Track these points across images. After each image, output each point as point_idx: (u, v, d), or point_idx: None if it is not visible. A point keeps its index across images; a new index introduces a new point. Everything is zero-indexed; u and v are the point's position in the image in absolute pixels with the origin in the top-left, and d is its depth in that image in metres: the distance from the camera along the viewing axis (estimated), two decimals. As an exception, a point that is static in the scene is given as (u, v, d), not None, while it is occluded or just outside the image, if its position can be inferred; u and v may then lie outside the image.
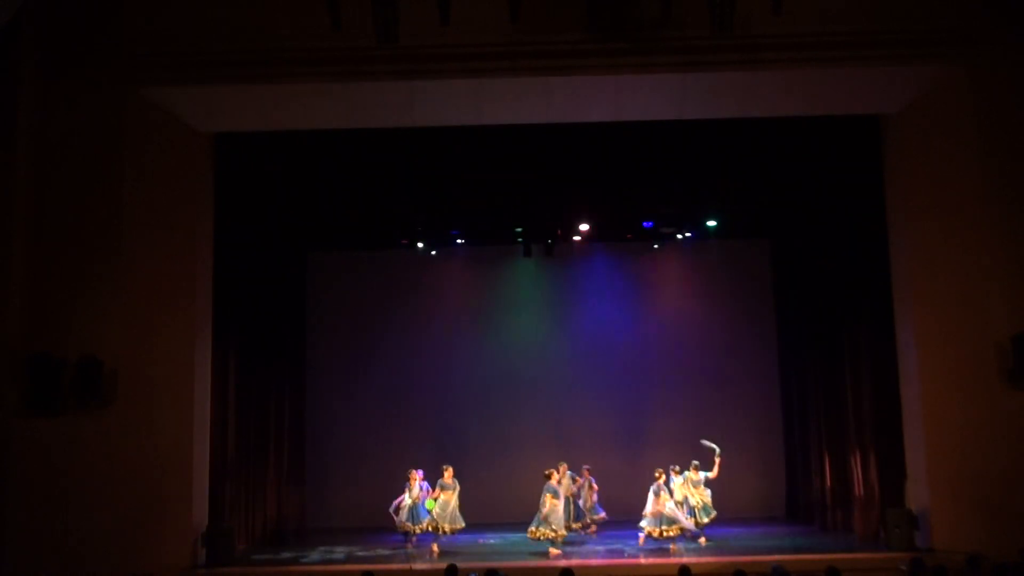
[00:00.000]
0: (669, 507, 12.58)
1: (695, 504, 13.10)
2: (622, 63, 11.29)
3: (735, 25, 10.35)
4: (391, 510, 13.37)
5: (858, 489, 13.43)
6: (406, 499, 13.23)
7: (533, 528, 12.55)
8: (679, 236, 16.07)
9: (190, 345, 11.82)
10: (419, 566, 11.61)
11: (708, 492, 13.28)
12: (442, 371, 16.86)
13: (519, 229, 15.62)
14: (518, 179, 13.58)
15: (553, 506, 12.51)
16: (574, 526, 13.49)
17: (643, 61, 11.26)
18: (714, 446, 13.36)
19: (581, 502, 13.82)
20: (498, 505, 13.63)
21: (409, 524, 13.06)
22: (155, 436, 11.36)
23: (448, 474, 13.02)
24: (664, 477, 12.90)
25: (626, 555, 12.36)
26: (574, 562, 11.64)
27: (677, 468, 13.37)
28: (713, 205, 14.83)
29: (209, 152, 12.51)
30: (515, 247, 16.35)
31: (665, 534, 12.45)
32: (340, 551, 13.10)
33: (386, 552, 12.94)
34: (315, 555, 12.99)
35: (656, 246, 16.58)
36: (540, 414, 16.63)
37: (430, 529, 12.83)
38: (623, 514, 13.88)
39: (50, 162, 11.35)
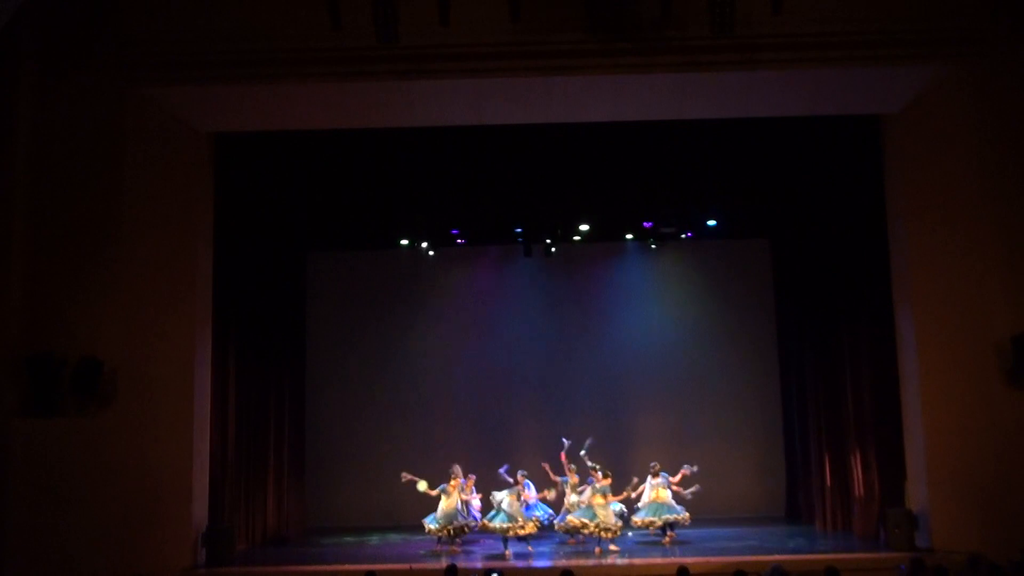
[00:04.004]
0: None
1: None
2: (622, 63, 11.28)
3: (735, 25, 10.36)
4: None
5: (858, 489, 13.43)
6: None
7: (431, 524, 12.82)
8: (679, 236, 16.06)
9: (190, 345, 11.81)
10: (419, 566, 11.61)
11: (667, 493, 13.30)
12: (442, 371, 16.85)
13: (519, 229, 15.60)
14: (518, 179, 13.57)
15: (447, 505, 12.82)
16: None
17: (643, 61, 11.25)
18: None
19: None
20: (498, 505, 13.62)
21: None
22: (155, 436, 11.35)
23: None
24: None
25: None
26: (574, 562, 11.66)
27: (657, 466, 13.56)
28: (713, 205, 14.83)
29: (209, 152, 12.49)
30: (515, 247, 16.33)
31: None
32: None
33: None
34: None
35: (655, 246, 16.59)
36: (540, 413, 16.60)
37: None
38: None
39: (49, 162, 11.36)
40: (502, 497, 12.70)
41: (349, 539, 14.35)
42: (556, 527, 13.24)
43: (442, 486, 13.03)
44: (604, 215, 15.16)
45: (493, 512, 12.62)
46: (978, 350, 11.27)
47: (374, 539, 14.26)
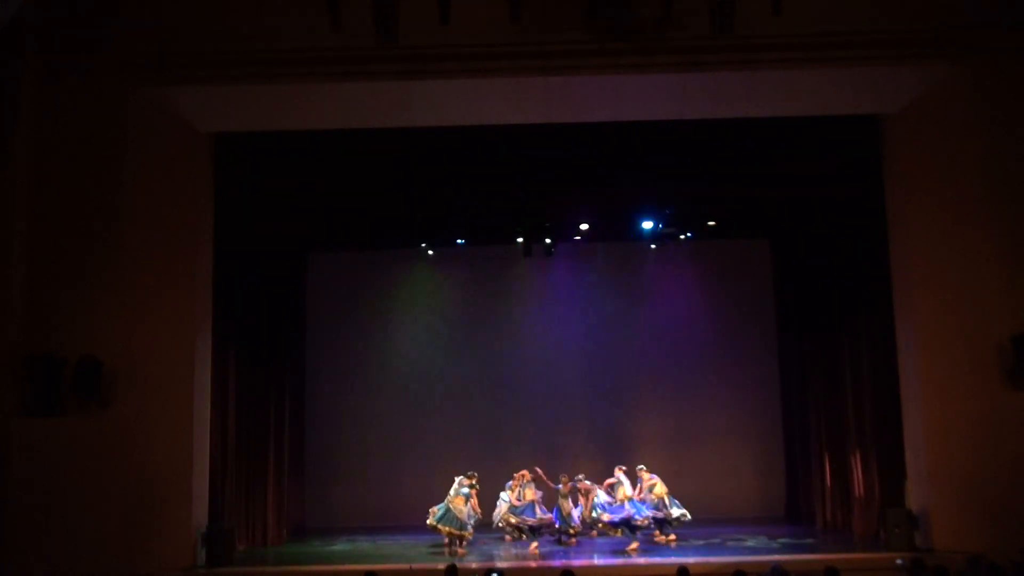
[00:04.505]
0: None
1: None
2: (622, 63, 11.29)
3: (735, 25, 10.37)
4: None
5: (858, 489, 13.44)
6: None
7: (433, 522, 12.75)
8: (679, 236, 16.05)
9: (190, 345, 11.82)
10: (419, 566, 11.62)
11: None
12: (441, 370, 16.86)
13: (519, 229, 15.59)
14: (518, 179, 13.57)
15: (455, 504, 12.73)
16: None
17: (643, 61, 11.26)
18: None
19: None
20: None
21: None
22: (155, 436, 11.35)
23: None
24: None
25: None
26: (574, 562, 11.66)
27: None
28: (713, 205, 14.81)
29: (209, 152, 12.51)
30: (515, 247, 16.32)
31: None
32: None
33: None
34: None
35: (655, 246, 16.60)
36: (540, 413, 16.62)
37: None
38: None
39: (50, 162, 11.34)
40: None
41: (349, 539, 14.35)
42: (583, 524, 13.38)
43: (464, 491, 13.03)
44: (604, 215, 15.15)
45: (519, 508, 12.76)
46: (978, 350, 11.26)
47: (374, 539, 14.25)
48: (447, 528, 12.63)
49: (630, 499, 13.00)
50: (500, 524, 13.23)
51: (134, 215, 11.52)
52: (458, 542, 12.67)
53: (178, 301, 11.77)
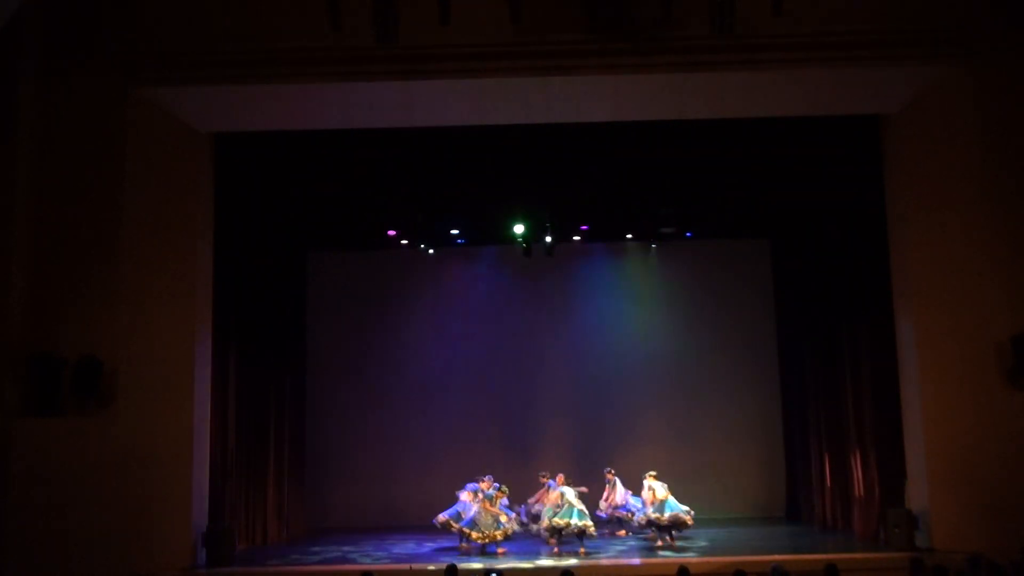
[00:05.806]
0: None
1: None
2: (622, 63, 11.28)
3: (735, 25, 10.37)
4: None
5: (858, 489, 13.43)
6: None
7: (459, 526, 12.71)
8: (679, 236, 16.06)
9: (190, 345, 11.80)
10: (419, 566, 11.62)
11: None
12: (441, 371, 16.87)
13: (519, 229, 15.60)
14: (518, 179, 13.57)
15: (484, 509, 12.66)
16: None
17: (643, 61, 11.26)
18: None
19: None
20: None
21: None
22: (155, 436, 11.34)
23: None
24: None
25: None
26: (574, 562, 11.66)
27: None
28: (713, 205, 14.81)
29: (209, 152, 12.49)
30: (515, 247, 16.33)
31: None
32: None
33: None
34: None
35: (655, 246, 16.59)
36: (539, 413, 16.63)
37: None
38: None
39: (50, 162, 11.35)
40: (571, 495, 12.83)
41: (349, 539, 14.34)
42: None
43: (473, 486, 12.99)
44: (604, 215, 15.16)
45: (565, 510, 12.65)
46: (978, 350, 11.26)
47: (374, 539, 14.25)
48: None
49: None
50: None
51: (134, 215, 11.53)
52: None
53: (178, 300, 11.76)
